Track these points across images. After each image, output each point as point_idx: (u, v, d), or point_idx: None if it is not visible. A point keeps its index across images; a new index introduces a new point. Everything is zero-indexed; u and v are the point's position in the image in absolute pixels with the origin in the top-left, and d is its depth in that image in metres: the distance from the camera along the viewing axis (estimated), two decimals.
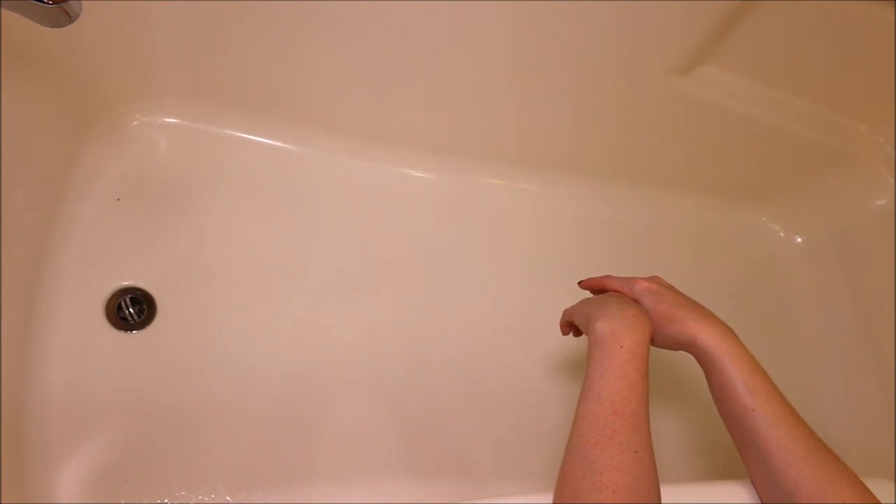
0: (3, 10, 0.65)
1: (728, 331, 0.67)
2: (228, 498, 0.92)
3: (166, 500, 0.89)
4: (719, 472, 1.12)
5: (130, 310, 0.98)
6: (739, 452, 0.64)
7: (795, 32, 1.03)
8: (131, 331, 0.97)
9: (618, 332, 0.64)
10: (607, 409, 0.58)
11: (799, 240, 1.38)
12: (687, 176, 1.33)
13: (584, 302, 0.76)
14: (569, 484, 0.55)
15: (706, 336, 0.65)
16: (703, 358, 0.66)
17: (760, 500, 0.63)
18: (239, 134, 1.14)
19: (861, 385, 1.20)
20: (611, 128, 1.20)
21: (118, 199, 1.04)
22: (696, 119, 1.17)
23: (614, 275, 0.80)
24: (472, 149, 1.23)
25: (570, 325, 0.81)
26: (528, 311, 1.17)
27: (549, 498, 0.58)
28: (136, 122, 1.09)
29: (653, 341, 0.69)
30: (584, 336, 0.74)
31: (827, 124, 1.18)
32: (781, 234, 1.40)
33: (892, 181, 1.19)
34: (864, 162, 1.21)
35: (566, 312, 0.81)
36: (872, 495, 0.56)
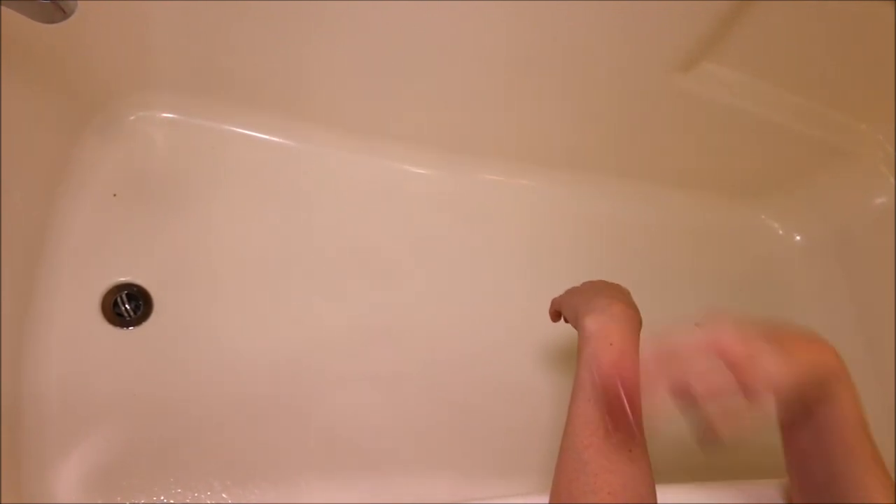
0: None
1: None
2: (225, 495, 0.91)
3: (163, 498, 0.89)
4: (716, 470, 1.11)
5: (126, 306, 0.98)
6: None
7: (796, 30, 1.03)
8: (127, 327, 0.97)
9: (606, 328, 0.63)
10: (600, 409, 0.58)
11: (798, 238, 1.38)
12: (686, 173, 1.33)
13: (571, 293, 0.75)
14: (564, 486, 0.55)
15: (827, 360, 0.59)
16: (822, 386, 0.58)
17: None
18: (237, 129, 1.14)
19: (860, 384, 1.19)
20: (610, 125, 1.20)
21: (115, 195, 1.03)
22: (696, 116, 1.17)
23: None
24: (472, 145, 1.23)
25: (560, 314, 0.81)
26: (526, 308, 1.16)
27: (546, 499, 0.57)
28: (132, 118, 1.08)
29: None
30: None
31: (827, 122, 1.18)
32: (780, 232, 1.40)
33: (892, 180, 1.19)
34: (863, 160, 1.21)
35: (554, 302, 0.80)
36: None
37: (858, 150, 1.21)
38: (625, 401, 0.57)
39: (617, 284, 0.74)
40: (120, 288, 0.98)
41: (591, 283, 0.77)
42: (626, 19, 0.99)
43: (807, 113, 1.16)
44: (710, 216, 1.37)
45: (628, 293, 0.72)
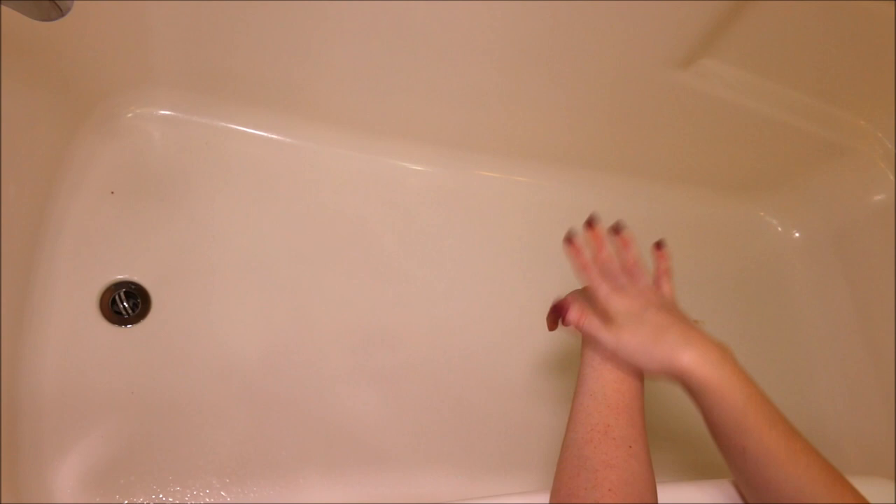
0: None
1: (720, 357, 0.58)
2: (223, 493, 0.91)
3: (161, 496, 0.89)
4: (717, 467, 1.11)
5: (125, 304, 0.98)
6: (732, 474, 0.62)
7: (796, 26, 1.03)
8: (125, 325, 0.97)
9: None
10: (601, 404, 0.58)
11: (797, 234, 1.38)
12: (685, 169, 1.33)
13: (574, 295, 0.75)
14: (565, 482, 0.55)
15: (694, 367, 0.57)
16: (692, 390, 0.59)
17: None
18: (234, 126, 1.13)
19: (859, 381, 1.20)
20: (608, 120, 1.20)
21: (112, 192, 1.03)
22: (695, 112, 1.16)
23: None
24: (469, 142, 1.22)
25: (557, 322, 0.80)
26: (524, 304, 1.16)
27: (547, 496, 0.57)
28: (129, 114, 1.08)
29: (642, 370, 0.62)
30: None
31: (826, 118, 1.18)
32: (779, 229, 1.40)
33: (891, 176, 1.19)
34: (862, 156, 1.21)
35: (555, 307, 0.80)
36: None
37: (857, 146, 1.20)
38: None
39: None
40: (118, 286, 0.98)
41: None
42: (624, 15, 0.99)
43: (806, 109, 1.16)
44: (708, 213, 1.37)
45: None
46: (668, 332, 0.60)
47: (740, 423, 0.56)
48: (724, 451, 0.59)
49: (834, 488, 0.54)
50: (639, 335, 0.61)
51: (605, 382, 0.59)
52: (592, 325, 0.64)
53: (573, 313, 0.66)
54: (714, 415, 0.57)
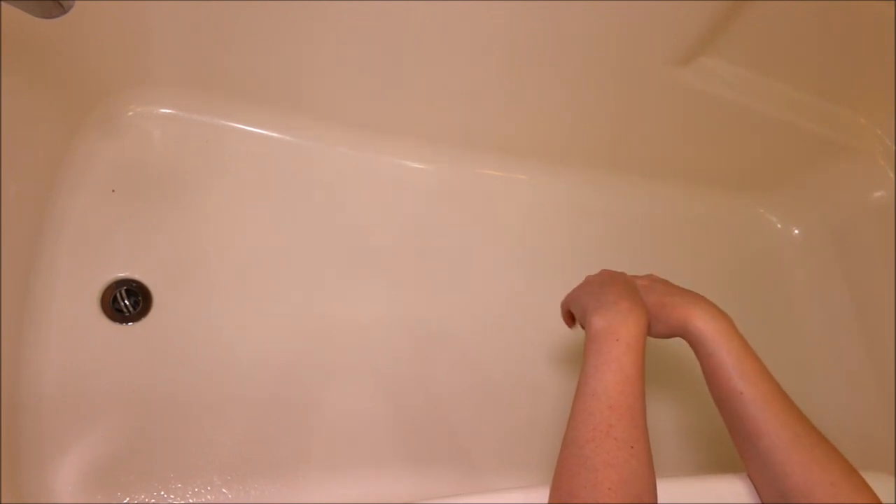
0: None
1: (721, 315, 0.67)
2: (224, 490, 0.92)
3: (163, 493, 0.89)
4: (718, 464, 1.12)
5: (126, 301, 0.98)
6: (731, 437, 0.65)
7: (795, 25, 1.03)
8: (127, 323, 0.97)
9: (613, 325, 0.64)
10: (602, 404, 0.58)
11: (796, 232, 1.38)
12: (684, 167, 1.33)
13: (580, 290, 0.75)
14: (565, 480, 0.55)
15: (697, 320, 0.66)
16: (695, 342, 0.67)
17: (752, 483, 0.63)
18: (234, 124, 1.13)
19: (858, 377, 1.20)
20: (609, 119, 1.20)
21: (113, 191, 1.03)
22: (695, 110, 1.17)
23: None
24: (470, 140, 1.23)
25: (574, 318, 0.81)
26: (525, 302, 1.17)
27: (547, 490, 0.57)
28: (130, 113, 1.08)
29: (649, 331, 0.70)
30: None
31: (826, 116, 1.18)
32: (779, 226, 1.40)
33: (891, 173, 1.19)
34: (862, 154, 1.21)
35: (564, 303, 0.81)
36: (861, 477, 0.56)
37: (857, 144, 1.21)
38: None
39: (622, 278, 0.75)
40: (119, 283, 0.98)
41: (598, 276, 0.77)
42: (624, 14, 0.99)
43: (805, 107, 1.16)
44: (708, 210, 1.37)
45: (635, 287, 0.73)
46: (673, 295, 0.70)
47: (737, 368, 0.63)
48: (722, 399, 0.64)
49: (820, 437, 0.59)
50: (651, 297, 0.71)
51: (608, 383, 0.60)
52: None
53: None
54: (714, 360, 0.64)
